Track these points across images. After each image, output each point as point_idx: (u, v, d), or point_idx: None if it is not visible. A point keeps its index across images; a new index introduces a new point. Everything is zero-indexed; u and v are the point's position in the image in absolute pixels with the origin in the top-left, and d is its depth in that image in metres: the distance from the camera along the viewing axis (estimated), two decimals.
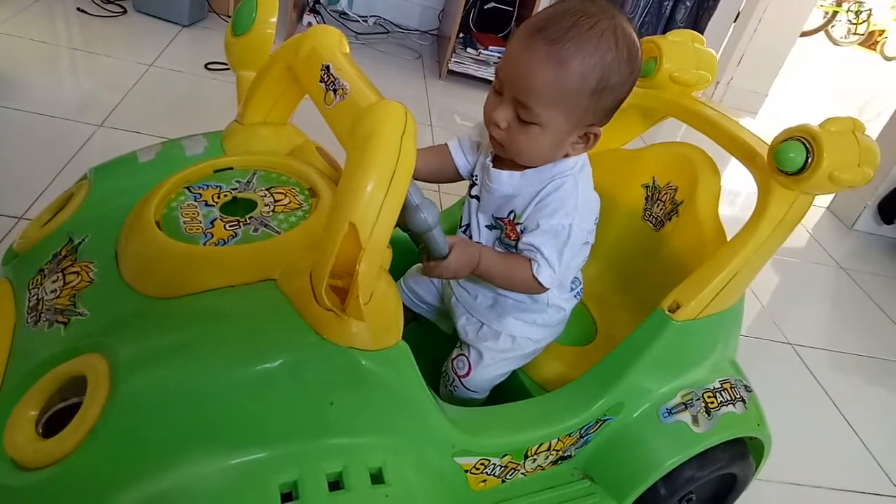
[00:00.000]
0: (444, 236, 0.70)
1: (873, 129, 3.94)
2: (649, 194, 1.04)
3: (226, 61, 2.25)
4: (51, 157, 1.50)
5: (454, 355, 0.89)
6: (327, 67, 0.66)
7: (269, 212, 0.69)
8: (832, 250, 2.23)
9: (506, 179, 0.79)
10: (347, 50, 0.72)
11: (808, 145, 0.78)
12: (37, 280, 0.68)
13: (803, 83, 4.68)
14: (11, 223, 1.27)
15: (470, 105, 2.53)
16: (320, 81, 0.66)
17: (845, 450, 1.38)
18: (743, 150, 0.89)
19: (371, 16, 3.01)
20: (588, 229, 0.79)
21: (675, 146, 1.04)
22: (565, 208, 0.75)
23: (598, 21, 0.68)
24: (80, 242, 0.70)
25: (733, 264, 0.80)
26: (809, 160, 0.78)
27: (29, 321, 0.64)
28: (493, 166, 0.80)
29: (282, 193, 0.72)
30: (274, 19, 0.81)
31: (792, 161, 0.79)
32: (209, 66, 2.14)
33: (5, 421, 0.57)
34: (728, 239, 0.91)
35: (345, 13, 2.95)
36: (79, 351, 0.58)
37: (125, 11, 2.36)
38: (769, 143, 0.84)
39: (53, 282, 0.67)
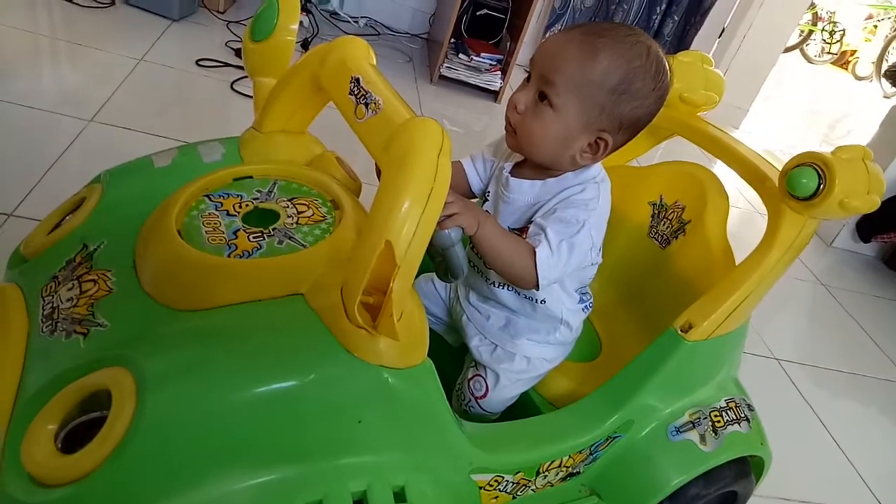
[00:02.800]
0: (465, 254, 0.70)
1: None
2: (656, 212, 1.05)
3: (217, 58, 2.22)
4: (39, 151, 1.45)
5: (470, 375, 0.89)
6: (357, 80, 0.66)
7: (292, 224, 0.68)
8: (812, 266, 2.28)
9: (527, 188, 0.79)
10: (374, 62, 0.72)
11: (820, 171, 0.80)
12: (51, 287, 0.66)
13: (777, 99, 4.78)
14: (1, 220, 1.23)
15: (461, 111, 2.53)
16: (350, 94, 0.66)
17: (830, 465, 1.41)
18: (752, 173, 0.90)
19: (362, 17, 2.99)
20: (596, 241, 0.77)
21: (684, 165, 1.05)
22: (586, 207, 0.75)
23: (637, 35, 0.72)
24: (96, 249, 0.68)
25: (746, 286, 0.81)
26: (821, 186, 0.80)
27: (44, 330, 0.62)
28: (513, 176, 0.80)
29: (304, 205, 0.71)
30: (295, 26, 0.80)
31: (804, 186, 0.80)
32: (200, 63, 2.10)
33: (22, 434, 0.55)
34: (735, 260, 0.94)
35: (336, 13, 2.93)
36: (101, 364, 0.57)
37: (113, 3, 2.31)
38: (779, 167, 0.85)
39: (69, 290, 0.65)
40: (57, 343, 0.61)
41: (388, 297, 0.55)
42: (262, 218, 0.69)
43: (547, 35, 3.04)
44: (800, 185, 0.81)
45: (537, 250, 0.71)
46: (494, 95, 2.69)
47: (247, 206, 0.70)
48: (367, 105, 0.63)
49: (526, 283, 0.73)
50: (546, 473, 0.81)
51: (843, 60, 6.82)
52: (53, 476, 0.53)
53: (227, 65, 2.14)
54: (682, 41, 3.11)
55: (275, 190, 0.73)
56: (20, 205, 1.28)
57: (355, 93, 0.65)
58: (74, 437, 0.56)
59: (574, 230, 0.73)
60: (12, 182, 1.33)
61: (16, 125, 1.53)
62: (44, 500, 0.52)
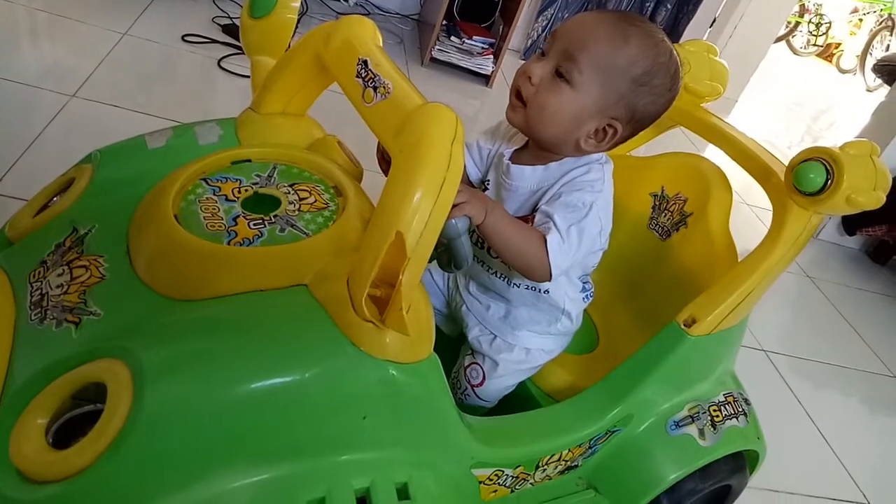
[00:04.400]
0: (471, 245, 0.68)
1: (826, 141, 4.06)
2: (657, 203, 1.04)
3: (204, 34, 2.15)
4: (19, 127, 1.40)
5: (466, 363, 0.87)
6: (364, 62, 0.63)
7: (294, 210, 0.66)
8: (798, 258, 2.29)
9: (529, 174, 0.77)
10: (381, 43, 0.69)
11: (828, 167, 0.79)
12: (39, 272, 0.63)
13: (762, 90, 4.79)
14: None
15: (454, 95, 2.49)
16: (357, 77, 0.63)
17: (815, 456, 1.43)
18: (757, 167, 0.89)
19: None
20: (605, 223, 0.75)
21: (687, 157, 1.04)
22: (592, 188, 0.73)
23: (662, 34, 0.72)
24: (87, 233, 0.65)
25: (751, 281, 0.81)
26: (829, 182, 0.79)
27: (33, 318, 0.59)
28: (513, 163, 0.78)
29: (306, 191, 0.69)
30: (297, 4, 0.77)
31: (812, 182, 0.79)
32: (186, 39, 2.04)
33: (10, 427, 0.52)
34: (738, 254, 0.93)
35: None
36: (95, 355, 0.54)
37: None
38: (786, 162, 0.85)
39: (59, 276, 0.62)
40: (47, 332, 0.58)
41: (398, 290, 0.53)
42: (262, 204, 0.66)
43: (539, 19, 3.00)
44: (807, 179, 0.80)
45: (548, 238, 0.68)
46: (486, 79, 2.66)
47: (246, 191, 0.67)
48: (375, 89, 0.60)
49: (538, 274, 0.70)
50: (545, 467, 0.80)
51: (827, 53, 6.85)
52: (44, 472, 0.50)
53: (213, 41, 2.08)
54: (674, 30, 3.10)
55: (275, 175, 0.71)
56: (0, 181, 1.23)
57: (363, 76, 0.62)
58: (66, 432, 0.53)
59: (582, 214, 0.71)
60: None
61: None
62: (33, 497, 0.50)
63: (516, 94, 0.72)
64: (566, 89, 0.69)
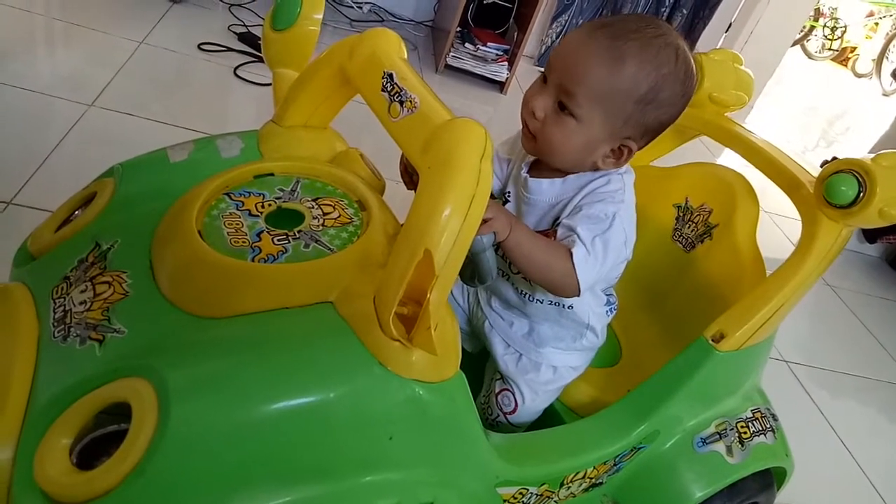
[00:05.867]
0: (496, 259, 0.67)
1: (842, 146, 3.98)
2: (680, 214, 1.03)
3: (220, 43, 2.16)
4: (38, 136, 1.41)
5: (497, 389, 0.86)
6: (390, 76, 0.62)
7: (318, 226, 0.65)
8: None
9: (547, 188, 0.76)
10: (406, 55, 0.68)
11: (860, 179, 0.77)
12: (62, 288, 0.63)
13: (777, 95, 4.75)
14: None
15: (468, 102, 2.49)
16: (382, 90, 0.62)
17: (841, 469, 1.40)
18: (785, 178, 0.88)
19: (366, 2, 2.93)
20: (629, 234, 0.73)
21: (712, 167, 1.02)
22: (613, 199, 0.71)
23: (664, 34, 0.68)
24: (109, 249, 0.65)
25: (781, 296, 0.79)
26: (861, 194, 0.77)
27: (56, 335, 0.59)
28: (531, 176, 0.77)
29: (330, 206, 0.68)
30: (319, 15, 0.76)
31: (843, 194, 0.78)
32: (202, 47, 2.05)
33: (34, 446, 0.52)
34: (766, 267, 0.91)
35: None
36: (119, 373, 0.53)
37: None
38: (815, 173, 0.83)
39: (82, 292, 0.61)
40: (70, 350, 0.57)
41: (426, 309, 0.52)
42: (285, 219, 0.66)
43: (553, 25, 2.99)
44: (838, 192, 0.78)
45: (573, 251, 0.67)
46: (500, 86, 2.65)
47: (269, 205, 0.67)
48: (401, 103, 0.60)
49: (566, 290, 0.68)
50: (570, 485, 0.78)
51: (842, 57, 6.78)
52: (68, 494, 0.50)
53: (229, 49, 2.09)
54: (689, 35, 3.07)
55: (298, 189, 0.70)
56: (19, 192, 1.23)
57: (388, 89, 0.61)
58: (90, 451, 0.53)
59: (605, 225, 0.69)
60: (10, 168, 1.28)
61: (12, 108, 1.48)
62: None
63: (525, 125, 0.72)
64: (571, 123, 0.68)
